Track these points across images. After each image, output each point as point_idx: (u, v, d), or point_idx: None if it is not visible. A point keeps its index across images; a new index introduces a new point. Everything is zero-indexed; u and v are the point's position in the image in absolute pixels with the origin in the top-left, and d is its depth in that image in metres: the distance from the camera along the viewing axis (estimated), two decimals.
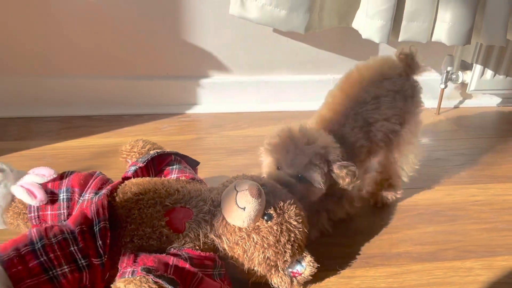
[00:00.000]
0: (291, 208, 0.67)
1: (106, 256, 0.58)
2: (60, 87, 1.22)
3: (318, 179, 0.71)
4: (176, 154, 0.79)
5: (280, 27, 1.12)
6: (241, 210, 0.63)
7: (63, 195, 0.68)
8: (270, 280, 0.67)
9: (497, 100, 1.47)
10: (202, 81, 1.29)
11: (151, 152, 0.77)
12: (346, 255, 0.77)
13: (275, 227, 0.64)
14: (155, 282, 0.54)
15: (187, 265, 0.60)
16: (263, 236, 0.64)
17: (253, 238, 0.64)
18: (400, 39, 1.14)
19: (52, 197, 0.68)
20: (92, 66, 1.22)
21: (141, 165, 0.73)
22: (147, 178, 0.70)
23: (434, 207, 0.92)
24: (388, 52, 1.34)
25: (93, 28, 1.17)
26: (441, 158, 1.12)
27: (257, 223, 0.64)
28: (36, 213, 0.68)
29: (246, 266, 0.65)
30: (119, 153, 0.83)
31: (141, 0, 1.16)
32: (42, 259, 0.56)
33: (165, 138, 1.14)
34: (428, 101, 1.40)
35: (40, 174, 0.70)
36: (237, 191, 0.64)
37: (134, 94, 1.27)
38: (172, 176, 0.75)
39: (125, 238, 0.62)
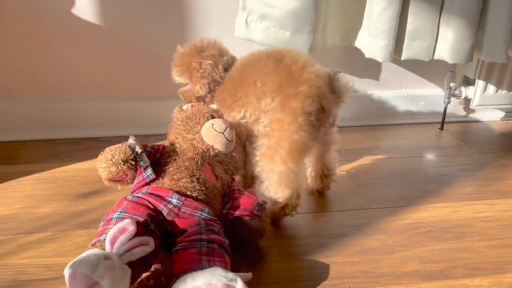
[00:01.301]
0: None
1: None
2: (70, 110, 1.24)
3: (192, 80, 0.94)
4: (136, 141, 0.82)
5: None
6: (231, 142, 0.88)
7: (152, 226, 0.72)
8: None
9: (501, 114, 1.48)
10: None
11: (138, 152, 0.80)
12: (356, 275, 0.78)
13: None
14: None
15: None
16: (237, 146, 0.91)
17: (236, 152, 0.91)
18: (402, 58, 1.17)
19: (148, 234, 0.70)
20: (100, 89, 1.25)
21: (147, 165, 0.80)
22: (169, 170, 0.81)
23: (441, 224, 0.93)
24: (391, 70, 1.37)
25: (100, 52, 1.20)
26: (447, 174, 1.13)
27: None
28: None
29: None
30: (106, 181, 0.81)
31: (148, 23, 1.19)
32: (217, 246, 0.70)
33: None
34: (431, 117, 1.43)
35: (127, 232, 0.66)
36: (223, 133, 0.87)
37: (142, 115, 1.29)
38: (156, 156, 0.85)
39: (214, 209, 0.81)
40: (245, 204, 0.81)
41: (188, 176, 0.79)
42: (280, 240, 0.87)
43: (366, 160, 1.18)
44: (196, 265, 0.65)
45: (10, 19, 1.13)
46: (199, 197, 0.78)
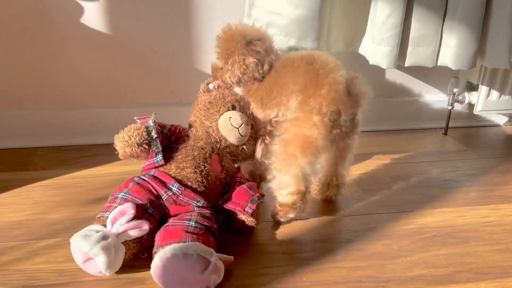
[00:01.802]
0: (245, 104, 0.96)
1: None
2: (78, 117, 1.26)
3: (225, 67, 0.93)
4: (154, 122, 0.89)
5: None
6: (244, 137, 0.93)
7: (151, 210, 0.81)
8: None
9: (504, 119, 1.49)
10: None
11: (153, 137, 0.87)
12: (361, 279, 0.79)
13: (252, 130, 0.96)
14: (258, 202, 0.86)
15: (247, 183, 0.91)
16: (250, 138, 0.96)
17: (249, 143, 0.96)
18: (406, 64, 1.18)
19: (148, 220, 0.79)
20: (108, 96, 1.27)
21: (159, 151, 0.87)
22: (178, 157, 0.88)
23: (446, 229, 0.94)
24: (395, 76, 1.38)
25: (108, 59, 1.22)
26: (451, 179, 1.14)
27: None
28: (148, 235, 0.79)
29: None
30: (123, 157, 0.89)
31: (156, 32, 1.21)
32: (203, 227, 0.78)
33: None
34: (435, 122, 1.44)
35: (127, 214, 0.77)
36: (238, 128, 0.91)
37: None
38: (172, 139, 0.93)
39: (211, 200, 0.89)
40: (239, 198, 0.86)
41: (193, 167, 0.86)
42: (286, 245, 0.88)
43: (371, 165, 1.19)
44: (179, 239, 0.73)
45: (20, 28, 1.15)
46: (198, 188, 0.86)
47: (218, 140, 0.91)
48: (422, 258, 0.85)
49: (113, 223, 0.76)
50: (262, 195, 0.89)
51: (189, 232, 0.75)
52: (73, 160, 1.17)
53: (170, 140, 0.92)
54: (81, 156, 1.20)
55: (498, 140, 1.38)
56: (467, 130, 1.44)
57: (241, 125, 0.92)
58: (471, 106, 1.42)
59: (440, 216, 0.98)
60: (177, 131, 0.93)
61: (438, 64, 1.19)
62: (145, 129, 0.86)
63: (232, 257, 0.78)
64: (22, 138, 1.24)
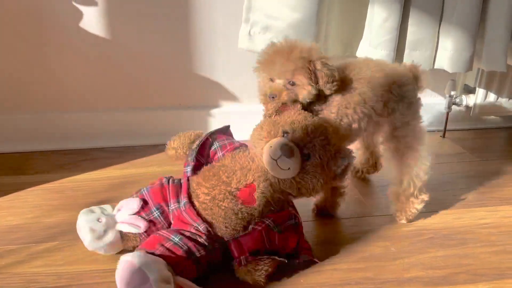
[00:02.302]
0: (317, 135, 0.80)
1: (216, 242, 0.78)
2: (77, 121, 1.27)
3: (305, 81, 0.81)
4: (210, 134, 0.91)
5: None
6: (287, 171, 0.78)
7: (156, 214, 0.82)
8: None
9: (502, 122, 1.49)
10: (213, 111, 1.34)
11: (193, 147, 0.89)
12: (359, 281, 0.79)
13: (315, 161, 0.79)
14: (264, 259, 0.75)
15: (276, 232, 0.78)
16: (312, 172, 0.79)
17: (307, 178, 0.79)
18: None
19: (148, 221, 0.81)
20: (107, 100, 1.28)
21: (193, 163, 0.85)
22: (206, 170, 0.83)
23: (444, 231, 0.94)
24: None
25: (107, 64, 1.23)
26: (449, 182, 1.14)
27: (304, 168, 0.79)
28: (145, 235, 0.81)
29: (311, 194, 0.82)
30: (170, 158, 0.94)
31: (153, 36, 1.22)
32: (185, 248, 0.74)
33: (180, 167, 1.17)
34: (433, 125, 1.44)
35: (130, 209, 0.82)
36: (275, 160, 0.77)
37: (148, 125, 1.31)
38: (219, 155, 0.88)
39: (219, 229, 0.78)
40: (243, 245, 0.77)
41: (205, 187, 0.80)
42: None
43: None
44: (150, 248, 0.73)
45: (19, 32, 1.16)
46: (202, 212, 0.79)
47: (260, 168, 0.80)
48: (419, 260, 0.85)
49: (118, 210, 0.82)
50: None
51: (163, 246, 0.73)
52: (72, 164, 1.18)
53: (201, 162, 0.88)
54: (81, 159, 1.20)
55: (496, 143, 1.39)
56: (465, 133, 1.45)
57: (279, 157, 0.77)
58: (468, 108, 1.42)
59: (437, 218, 0.98)
60: (229, 147, 0.88)
61: (435, 67, 1.20)
62: (196, 136, 0.91)
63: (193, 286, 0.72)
64: (21, 142, 1.24)
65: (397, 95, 0.89)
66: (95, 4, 1.16)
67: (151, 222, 0.81)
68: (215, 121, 1.34)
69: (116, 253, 0.83)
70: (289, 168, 0.77)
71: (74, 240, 0.87)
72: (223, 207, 0.78)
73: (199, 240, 0.77)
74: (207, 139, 0.90)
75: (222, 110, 1.34)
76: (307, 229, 0.93)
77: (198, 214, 0.79)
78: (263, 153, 0.79)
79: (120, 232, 0.81)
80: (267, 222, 0.78)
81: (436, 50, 1.18)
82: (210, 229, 0.78)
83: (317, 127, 0.80)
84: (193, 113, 1.33)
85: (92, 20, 1.18)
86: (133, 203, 0.82)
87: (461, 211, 1.01)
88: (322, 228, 0.95)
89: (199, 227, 0.78)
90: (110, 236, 0.80)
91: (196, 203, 0.80)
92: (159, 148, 1.28)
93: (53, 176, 1.11)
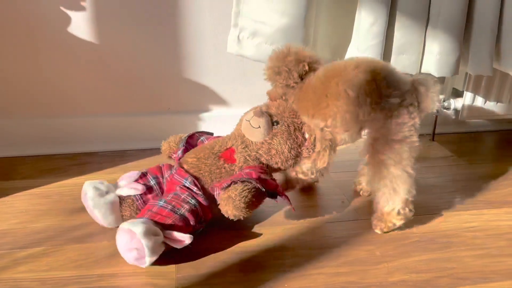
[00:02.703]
0: (286, 109, 0.96)
1: (203, 194, 0.89)
2: (66, 126, 1.27)
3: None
4: (197, 132, 1.07)
5: None
6: (258, 129, 0.93)
7: (153, 182, 0.95)
8: (300, 167, 0.99)
9: (490, 125, 1.50)
10: (202, 115, 1.34)
11: (183, 137, 1.03)
12: (343, 285, 0.79)
13: (283, 127, 0.94)
14: (243, 182, 0.86)
15: (253, 172, 0.90)
16: (280, 135, 0.93)
17: (276, 140, 0.93)
18: None
19: (146, 187, 0.93)
20: (96, 104, 1.28)
21: (183, 147, 1.00)
22: (194, 148, 0.99)
23: (429, 235, 0.94)
24: None
25: (96, 68, 1.23)
26: (435, 185, 1.15)
27: (272, 131, 0.93)
28: (141, 201, 0.92)
29: (283, 161, 0.95)
30: (163, 153, 1.06)
31: (143, 40, 1.23)
32: (169, 207, 0.85)
33: None
34: (423, 128, 1.45)
35: (130, 176, 0.95)
36: (248, 121, 0.94)
37: (138, 129, 1.31)
38: (206, 142, 1.02)
39: (206, 182, 0.92)
40: (224, 181, 0.90)
41: (193, 154, 0.95)
42: (269, 252, 0.88)
43: (357, 171, 1.20)
44: (140, 216, 0.84)
45: (6, 37, 1.16)
46: (190, 170, 0.93)
47: (237, 136, 0.96)
48: (403, 264, 0.85)
49: (121, 179, 0.95)
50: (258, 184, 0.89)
51: (151, 211, 0.84)
52: (60, 169, 1.18)
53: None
54: (69, 164, 1.20)
55: (483, 146, 1.40)
56: (454, 136, 1.46)
57: (251, 117, 0.93)
58: (457, 112, 1.43)
59: (423, 222, 0.99)
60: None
61: (421, 71, 1.21)
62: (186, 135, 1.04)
63: (187, 236, 0.82)
64: (9, 147, 1.24)
65: (375, 102, 0.88)
66: (83, 9, 1.16)
67: (147, 189, 0.93)
68: (205, 126, 1.34)
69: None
70: (259, 127, 0.92)
71: (59, 246, 0.88)
72: (208, 164, 0.93)
73: (182, 196, 0.87)
74: (194, 134, 1.05)
75: (211, 115, 1.34)
76: (291, 233, 0.94)
77: (187, 172, 0.92)
78: (242, 123, 0.95)
79: (120, 197, 0.91)
80: (246, 170, 0.92)
81: (423, 54, 1.19)
82: (196, 182, 0.90)
83: (289, 109, 0.96)
84: (183, 118, 1.33)
85: (80, 25, 1.18)
86: (133, 173, 0.95)
87: (447, 214, 1.02)
88: (306, 232, 0.95)
89: (186, 182, 0.90)
90: (111, 196, 0.90)
91: (185, 166, 0.94)
92: (149, 152, 1.28)
93: (41, 181, 1.11)
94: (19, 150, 1.24)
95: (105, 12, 1.18)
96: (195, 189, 0.89)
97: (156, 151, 1.28)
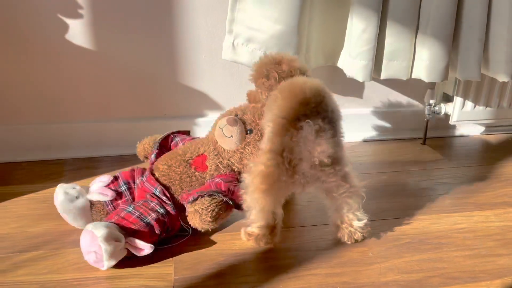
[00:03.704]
0: (261, 116, 0.95)
1: (172, 203, 0.90)
2: (62, 131, 1.28)
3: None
4: (172, 132, 1.07)
5: None
6: (230, 138, 0.94)
7: (123, 188, 0.95)
8: None
9: (480, 129, 1.54)
10: (198, 120, 1.36)
11: (157, 140, 1.04)
12: (336, 286, 0.81)
13: (256, 136, 0.95)
14: (210, 196, 0.86)
15: (222, 183, 0.90)
16: (252, 144, 0.94)
17: (248, 150, 0.94)
18: (382, 77, 1.22)
19: (116, 192, 0.94)
20: (93, 110, 1.29)
21: (156, 151, 1.01)
22: (167, 153, 0.98)
23: (420, 236, 0.97)
24: (373, 88, 1.42)
25: (92, 74, 1.25)
26: (427, 188, 1.17)
27: (245, 140, 0.95)
28: (111, 206, 0.93)
29: None
30: (139, 155, 1.10)
31: (138, 46, 1.25)
32: (136, 214, 0.86)
33: None
34: (414, 132, 1.48)
35: (101, 181, 0.96)
36: (221, 128, 0.94)
37: (134, 135, 1.32)
38: (180, 145, 1.03)
39: (176, 191, 0.92)
40: (192, 192, 0.90)
41: (165, 161, 0.95)
42: (263, 253, 0.90)
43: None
44: (108, 220, 0.85)
45: (3, 43, 1.18)
46: (160, 178, 0.94)
47: (210, 142, 0.96)
48: (395, 264, 0.88)
49: (92, 183, 0.96)
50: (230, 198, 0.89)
51: (118, 215, 0.85)
52: (57, 174, 1.19)
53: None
54: (65, 170, 1.22)
55: (473, 150, 1.43)
56: (444, 140, 1.49)
57: (224, 125, 0.94)
58: (447, 116, 1.46)
59: (414, 224, 1.01)
60: (188, 139, 1.05)
61: (412, 77, 1.24)
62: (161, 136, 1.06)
63: (148, 245, 0.82)
64: (5, 153, 1.25)
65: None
66: (80, 16, 1.18)
67: (118, 195, 0.93)
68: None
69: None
70: (231, 136, 0.93)
71: (58, 249, 0.89)
72: (178, 172, 0.93)
73: (151, 204, 0.88)
74: (169, 135, 1.06)
75: (206, 120, 1.36)
76: (285, 235, 0.96)
77: (157, 180, 0.93)
78: (215, 130, 0.96)
79: (91, 202, 0.92)
80: (216, 180, 0.92)
81: (413, 60, 1.22)
82: (165, 192, 0.91)
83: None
84: (179, 123, 1.35)
85: (77, 32, 1.20)
86: (105, 177, 0.96)
87: (438, 216, 1.04)
88: (300, 234, 0.97)
89: (156, 191, 0.91)
90: (81, 201, 0.91)
91: (156, 173, 0.94)
92: None
93: (38, 186, 1.12)
94: (15, 155, 1.25)
95: (101, 19, 1.20)
96: (164, 198, 0.90)
97: None
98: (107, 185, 0.94)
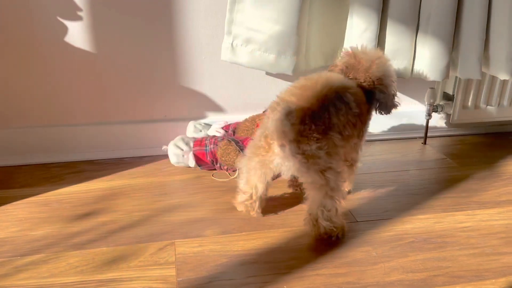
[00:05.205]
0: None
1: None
2: (62, 134, 1.27)
3: None
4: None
5: (269, 70, 1.20)
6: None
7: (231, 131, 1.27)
8: None
9: (480, 128, 1.53)
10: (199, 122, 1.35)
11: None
12: (341, 286, 0.81)
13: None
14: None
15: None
16: None
17: None
18: None
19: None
20: (93, 113, 1.29)
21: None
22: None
23: (424, 235, 0.96)
24: None
25: (92, 77, 1.25)
26: (429, 187, 1.17)
27: None
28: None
29: None
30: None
31: (139, 49, 1.24)
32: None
33: (166, 178, 1.19)
34: (414, 132, 1.48)
35: (220, 122, 1.30)
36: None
37: (134, 137, 1.32)
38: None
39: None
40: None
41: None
42: (268, 254, 0.90)
43: (361, 173, 1.21)
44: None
45: (3, 47, 1.17)
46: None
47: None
48: (400, 264, 0.87)
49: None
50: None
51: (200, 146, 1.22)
52: (58, 177, 1.18)
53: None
54: (66, 172, 1.21)
55: (475, 148, 1.42)
56: (445, 139, 1.48)
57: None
58: (448, 115, 1.46)
59: (418, 223, 1.01)
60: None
61: (413, 76, 1.24)
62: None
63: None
64: (5, 156, 1.24)
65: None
66: (80, 18, 1.18)
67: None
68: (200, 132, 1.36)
69: None
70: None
71: (59, 253, 0.88)
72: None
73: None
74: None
75: (206, 121, 1.36)
76: (289, 235, 0.95)
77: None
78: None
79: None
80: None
81: (414, 59, 1.22)
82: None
83: None
84: (179, 125, 1.34)
85: (77, 34, 1.19)
86: (222, 121, 1.30)
87: (441, 215, 1.04)
88: (305, 234, 0.96)
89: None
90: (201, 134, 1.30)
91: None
92: (145, 159, 1.29)
93: (39, 189, 1.11)
94: (15, 159, 1.25)
95: (101, 21, 1.19)
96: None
97: (153, 158, 1.30)
98: (222, 127, 1.28)
